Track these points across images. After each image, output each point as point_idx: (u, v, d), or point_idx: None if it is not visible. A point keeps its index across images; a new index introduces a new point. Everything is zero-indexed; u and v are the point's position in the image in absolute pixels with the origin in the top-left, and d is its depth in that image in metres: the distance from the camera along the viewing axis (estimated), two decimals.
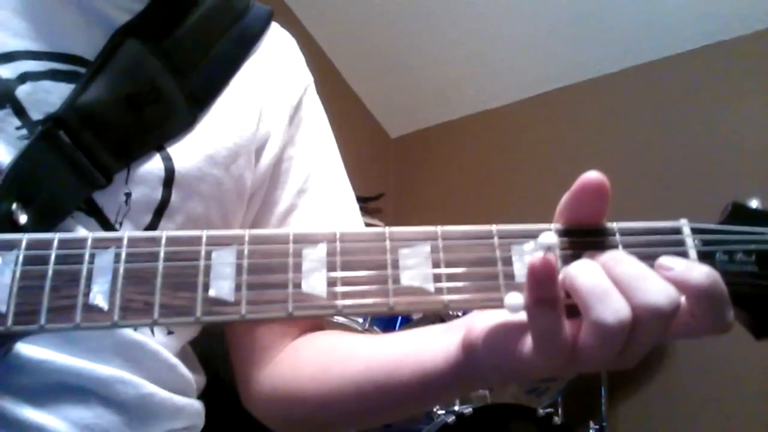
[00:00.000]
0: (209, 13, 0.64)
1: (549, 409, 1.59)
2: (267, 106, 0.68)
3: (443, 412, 1.62)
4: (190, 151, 0.60)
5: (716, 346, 2.17)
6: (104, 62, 0.56)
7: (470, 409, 1.50)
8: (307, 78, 0.75)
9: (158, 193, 0.58)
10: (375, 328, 1.76)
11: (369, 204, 3.05)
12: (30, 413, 0.51)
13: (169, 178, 0.58)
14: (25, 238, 0.41)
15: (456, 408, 1.58)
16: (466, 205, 3.03)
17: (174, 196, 0.59)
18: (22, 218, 0.49)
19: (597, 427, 2.06)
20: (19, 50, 0.54)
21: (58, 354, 0.52)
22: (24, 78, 0.53)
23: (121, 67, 0.56)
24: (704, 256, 0.44)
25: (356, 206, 0.75)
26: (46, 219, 0.51)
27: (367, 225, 0.74)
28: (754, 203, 0.48)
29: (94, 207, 0.55)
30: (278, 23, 0.74)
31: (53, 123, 0.52)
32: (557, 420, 1.55)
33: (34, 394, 0.51)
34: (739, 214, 0.47)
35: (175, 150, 0.59)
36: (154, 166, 0.58)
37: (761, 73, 2.40)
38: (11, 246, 0.40)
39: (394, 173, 3.39)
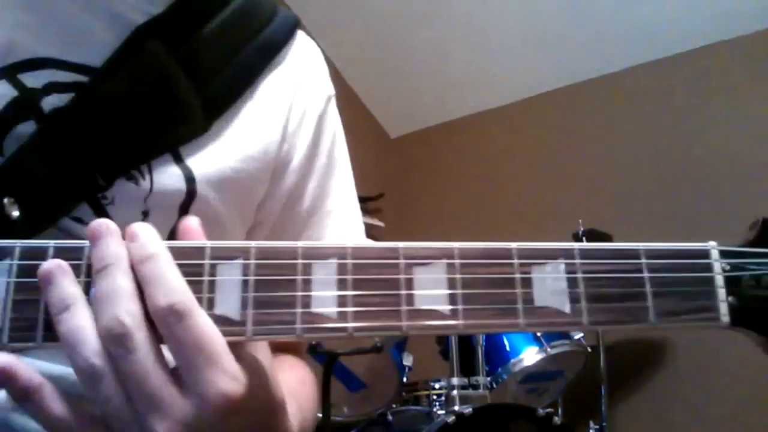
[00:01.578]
0: (234, 17, 0.62)
1: (549, 409, 1.59)
2: (292, 121, 0.66)
3: (443, 412, 1.62)
4: (212, 170, 0.58)
5: (716, 347, 2.17)
6: (120, 61, 0.54)
7: (470, 409, 1.50)
8: (330, 89, 0.74)
9: (173, 218, 0.56)
10: None
11: (369, 204, 3.05)
12: (20, 418, 0.50)
13: (186, 203, 0.56)
14: (17, 246, 0.39)
15: (456, 408, 1.58)
16: (466, 204, 3.03)
17: None
18: (14, 213, 0.48)
19: (597, 427, 2.06)
20: (45, 57, 0.52)
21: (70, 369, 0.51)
22: (49, 89, 0.52)
23: (136, 68, 0.55)
24: (731, 282, 0.43)
25: (362, 224, 0.74)
26: (41, 216, 0.50)
27: (367, 225, 0.74)
28: None
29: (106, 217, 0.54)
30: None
31: (58, 119, 0.51)
32: (557, 420, 1.55)
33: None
34: None
35: (198, 167, 0.57)
36: (175, 187, 0.56)
37: (761, 73, 2.40)
38: (3, 254, 0.38)
39: (394, 173, 3.39)
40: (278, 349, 0.66)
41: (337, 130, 0.74)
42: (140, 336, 0.36)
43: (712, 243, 0.44)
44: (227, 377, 0.36)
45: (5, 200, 0.48)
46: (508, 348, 1.91)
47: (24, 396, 0.37)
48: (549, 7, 2.66)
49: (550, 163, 2.85)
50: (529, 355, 1.87)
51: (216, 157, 0.59)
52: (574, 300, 0.41)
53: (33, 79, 0.52)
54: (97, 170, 0.52)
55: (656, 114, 2.64)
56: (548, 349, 1.87)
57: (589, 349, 1.97)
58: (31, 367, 0.38)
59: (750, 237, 0.45)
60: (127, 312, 0.36)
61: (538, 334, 1.88)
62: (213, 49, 0.60)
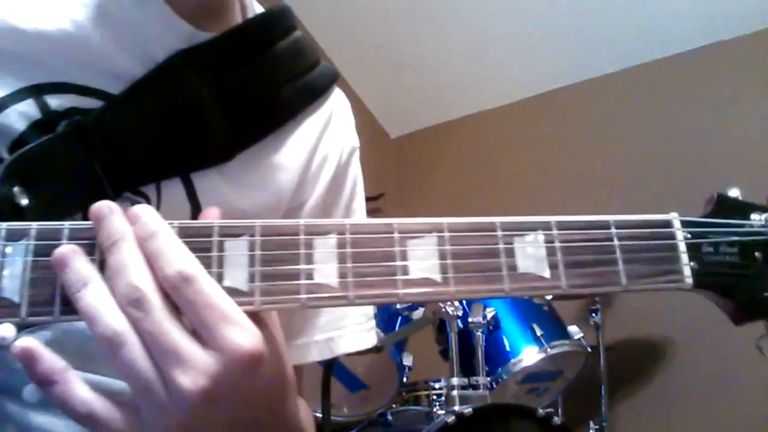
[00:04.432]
0: (282, 56, 0.62)
1: (549, 409, 1.59)
2: (312, 166, 0.66)
3: (443, 412, 1.62)
4: (221, 204, 0.57)
5: (716, 347, 2.17)
6: (147, 82, 0.54)
7: (470, 409, 1.50)
8: (355, 142, 0.74)
9: None
10: (376, 328, 1.76)
11: (369, 204, 3.05)
12: (38, 417, 0.51)
13: None
14: (34, 227, 0.41)
15: (456, 408, 1.58)
16: (466, 205, 3.03)
17: None
18: (24, 201, 0.48)
19: (597, 427, 2.06)
20: (69, 83, 0.52)
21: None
22: (70, 114, 0.52)
23: (166, 88, 0.55)
24: (692, 248, 0.47)
25: None
26: (47, 212, 0.49)
27: None
28: (733, 193, 0.50)
29: None
30: None
31: (76, 128, 0.51)
32: (557, 420, 1.55)
33: (43, 399, 0.51)
34: (722, 205, 0.50)
35: (207, 204, 0.57)
36: (181, 216, 0.55)
37: (761, 73, 2.40)
38: (20, 235, 0.40)
39: (394, 173, 3.39)
40: None
41: (358, 181, 0.75)
42: (155, 298, 0.38)
43: (674, 213, 0.48)
44: (243, 331, 0.38)
45: (15, 188, 0.48)
46: (508, 348, 1.91)
47: (48, 379, 0.38)
48: (549, 7, 2.66)
49: (551, 163, 2.86)
50: (529, 355, 1.86)
51: (228, 196, 0.59)
52: (552, 266, 0.44)
53: (57, 102, 0.52)
54: (107, 180, 0.53)
55: (656, 113, 2.64)
56: (548, 349, 1.87)
57: (589, 349, 1.97)
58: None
59: (707, 210, 0.50)
60: (141, 278, 0.38)
61: (538, 333, 1.88)
62: (256, 82, 0.60)
